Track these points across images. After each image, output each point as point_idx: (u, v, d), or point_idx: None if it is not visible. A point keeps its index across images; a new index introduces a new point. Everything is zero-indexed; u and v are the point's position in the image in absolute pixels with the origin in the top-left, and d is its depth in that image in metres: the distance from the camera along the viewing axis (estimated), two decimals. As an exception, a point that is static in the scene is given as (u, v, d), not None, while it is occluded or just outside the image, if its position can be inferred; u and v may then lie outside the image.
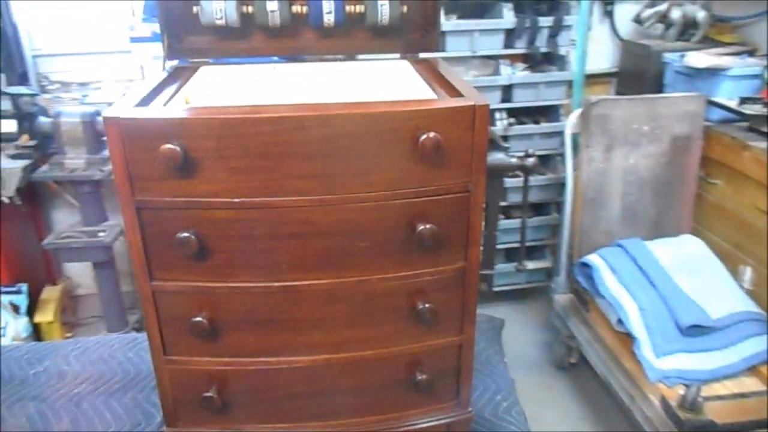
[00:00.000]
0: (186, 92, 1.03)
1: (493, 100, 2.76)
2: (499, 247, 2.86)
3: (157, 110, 0.90)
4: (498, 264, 2.69)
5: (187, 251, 0.94)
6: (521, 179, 2.87)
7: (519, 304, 3.31)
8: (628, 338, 1.91)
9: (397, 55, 1.26)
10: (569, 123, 2.52)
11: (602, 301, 2.17)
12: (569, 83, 2.83)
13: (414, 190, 0.96)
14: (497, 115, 2.82)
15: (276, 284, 0.99)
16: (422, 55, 1.27)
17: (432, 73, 1.15)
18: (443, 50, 2.54)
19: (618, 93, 3.10)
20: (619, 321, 2.05)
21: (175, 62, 1.21)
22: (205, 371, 1.05)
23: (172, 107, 0.93)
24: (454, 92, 1.00)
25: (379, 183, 0.94)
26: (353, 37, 1.26)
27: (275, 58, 1.36)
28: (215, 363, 1.05)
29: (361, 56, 1.38)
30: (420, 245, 0.97)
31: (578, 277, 2.36)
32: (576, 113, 2.49)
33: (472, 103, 0.93)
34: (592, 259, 2.27)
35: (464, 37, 2.70)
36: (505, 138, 2.80)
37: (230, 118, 0.88)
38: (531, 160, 2.03)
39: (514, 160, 2.25)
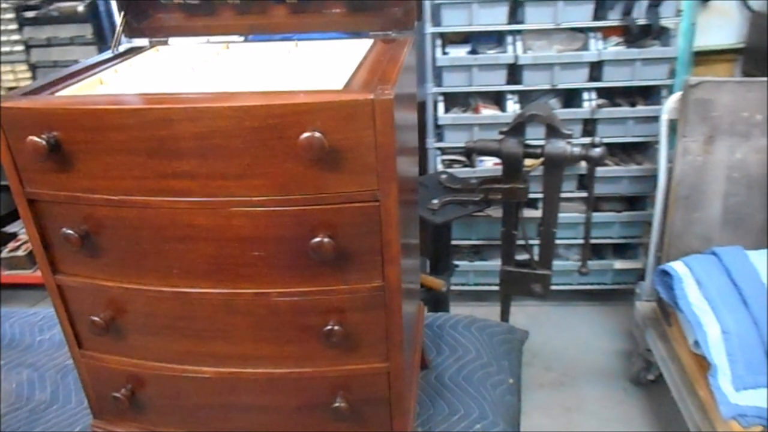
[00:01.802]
0: (104, 76, 0.97)
1: (579, 78, 2.46)
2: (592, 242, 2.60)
3: (32, 99, 0.85)
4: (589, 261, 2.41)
5: (72, 247, 0.89)
6: (613, 168, 2.57)
7: (604, 305, 3.03)
8: (706, 362, 1.63)
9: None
10: (666, 107, 2.19)
11: (682, 316, 1.87)
12: (675, 60, 2.44)
13: (308, 196, 0.82)
14: (585, 95, 2.52)
15: (168, 289, 0.91)
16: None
17: (384, 57, 0.98)
18: (520, 22, 2.28)
19: (745, 73, 2.63)
20: (696, 342, 1.76)
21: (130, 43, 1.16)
22: (117, 370, 1.01)
23: (52, 96, 0.87)
24: (384, 82, 0.84)
25: (265, 187, 0.82)
26: (327, 14, 1.12)
27: (239, 37, 1.27)
28: (125, 363, 1.00)
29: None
30: (317, 259, 0.84)
31: (657, 286, 2.06)
32: (675, 96, 2.14)
33: (368, 97, 0.76)
34: (675, 266, 1.97)
35: (546, 8, 2.41)
36: (593, 121, 2.49)
37: (93, 109, 0.80)
38: (597, 151, 1.77)
39: (576, 150, 1.99)
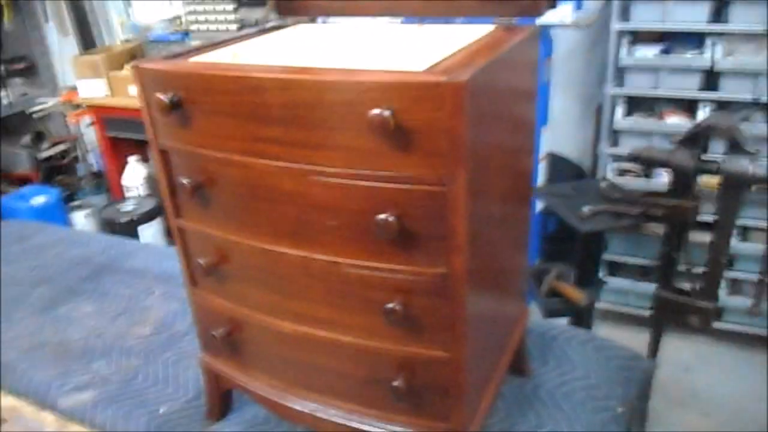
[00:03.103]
0: (238, 47, 1.08)
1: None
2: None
3: (167, 62, 0.98)
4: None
5: (186, 196, 1.02)
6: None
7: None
8: None
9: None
10: None
11: None
12: None
13: (378, 173, 0.84)
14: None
15: (257, 245, 0.99)
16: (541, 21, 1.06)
17: (489, 45, 0.96)
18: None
19: None
20: None
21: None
22: (219, 311, 1.13)
23: (183, 61, 0.99)
24: (468, 67, 0.83)
25: (340, 159, 0.85)
26: (459, -1, 1.12)
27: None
28: (225, 306, 1.12)
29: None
30: (381, 236, 0.86)
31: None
32: None
33: (439, 79, 0.76)
34: None
35: (758, 8, 2.12)
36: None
37: (204, 74, 0.90)
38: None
39: (761, 171, 1.73)
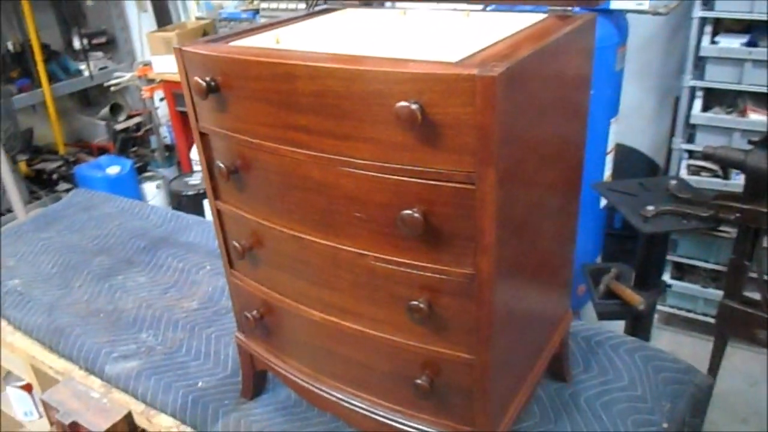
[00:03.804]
0: (282, 31, 1.07)
1: None
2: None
3: (207, 45, 0.98)
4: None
5: (222, 179, 1.02)
6: None
7: None
8: None
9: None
10: None
11: None
12: None
13: (406, 167, 0.81)
14: None
15: (288, 232, 0.99)
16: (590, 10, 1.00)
17: (537, 34, 0.91)
18: None
19: None
20: None
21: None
22: (253, 293, 1.14)
23: (223, 45, 0.99)
24: (506, 59, 0.78)
25: (368, 151, 0.83)
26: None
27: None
28: (258, 289, 1.13)
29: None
30: (406, 232, 0.83)
31: None
32: None
33: (470, 72, 0.72)
34: None
35: None
36: None
37: (239, 59, 0.90)
38: None
39: None
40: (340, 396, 1.10)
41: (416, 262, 0.88)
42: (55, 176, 3.85)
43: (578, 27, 0.95)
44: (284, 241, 1.01)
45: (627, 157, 2.90)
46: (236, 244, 1.08)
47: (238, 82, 0.92)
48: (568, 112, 1.00)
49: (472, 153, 0.76)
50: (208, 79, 0.94)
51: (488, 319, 0.87)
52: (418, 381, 0.95)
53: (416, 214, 0.81)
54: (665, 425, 1.24)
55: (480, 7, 1.19)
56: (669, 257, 2.62)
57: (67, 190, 3.59)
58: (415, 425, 1.02)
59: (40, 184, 3.84)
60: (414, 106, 0.75)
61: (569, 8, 1.00)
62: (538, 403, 1.24)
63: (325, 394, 1.12)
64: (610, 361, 1.34)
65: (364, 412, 1.07)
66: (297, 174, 0.93)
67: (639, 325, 2.03)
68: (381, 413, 1.05)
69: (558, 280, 1.15)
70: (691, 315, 2.71)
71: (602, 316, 2.02)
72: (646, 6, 2.10)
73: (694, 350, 2.69)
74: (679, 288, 2.64)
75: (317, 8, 1.23)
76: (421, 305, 0.88)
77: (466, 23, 1.05)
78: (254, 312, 1.15)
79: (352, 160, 0.85)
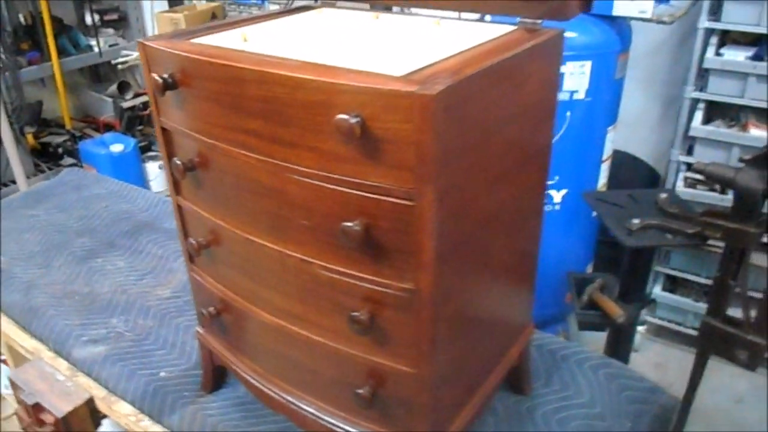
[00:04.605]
0: (250, 31, 1.06)
1: None
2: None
3: (168, 41, 0.97)
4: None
5: (179, 176, 1.02)
6: None
7: None
8: None
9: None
10: None
11: None
12: None
13: (348, 179, 0.80)
14: None
15: (240, 233, 0.99)
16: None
17: (499, 47, 0.89)
18: None
19: None
20: None
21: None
22: (210, 290, 1.14)
23: (184, 41, 0.98)
24: (450, 75, 0.77)
25: (312, 160, 0.82)
26: (489, -7, 1.05)
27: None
28: (215, 286, 1.13)
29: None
30: (345, 243, 0.83)
31: None
32: None
33: (409, 89, 0.71)
34: None
35: None
36: None
37: (192, 58, 0.89)
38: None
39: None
40: (290, 399, 1.10)
41: (359, 274, 0.87)
42: (60, 150, 3.88)
43: (543, 41, 0.93)
44: (238, 242, 1.01)
45: (628, 166, 2.86)
46: (192, 241, 1.08)
47: (195, 82, 0.91)
48: (530, 127, 0.98)
49: (411, 169, 0.75)
50: (165, 75, 0.93)
51: (429, 334, 0.86)
52: (360, 391, 0.95)
53: (356, 227, 0.81)
54: (624, 443, 1.23)
55: (455, 14, 1.17)
56: (661, 269, 2.59)
57: (72, 165, 3.63)
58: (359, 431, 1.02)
59: (46, 157, 3.88)
60: (353, 120, 0.74)
61: (538, 21, 0.98)
62: (493, 414, 1.24)
63: (276, 396, 1.12)
64: (572, 376, 1.33)
65: (312, 417, 1.07)
66: (249, 177, 0.92)
67: (619, 338, 2.01)
68: (328, 418, 1.05)
69: (516, 294, 1.14)
70: (680, 328, 2.68)
71: (583, 326, 2.00)
72: (649, 14, 2.05)
73: (681, 364, 2.65)
74: (670, 301, 2.61)
75: (293, 5, 1.22)
76: (362, 317, 0.87)
77: (435, 32, 1.03)
78: (211, 308, 1.15)
79: (297, 167, 0.84)
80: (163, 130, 1.05)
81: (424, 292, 0.83)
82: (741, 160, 1.68)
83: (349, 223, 0.81)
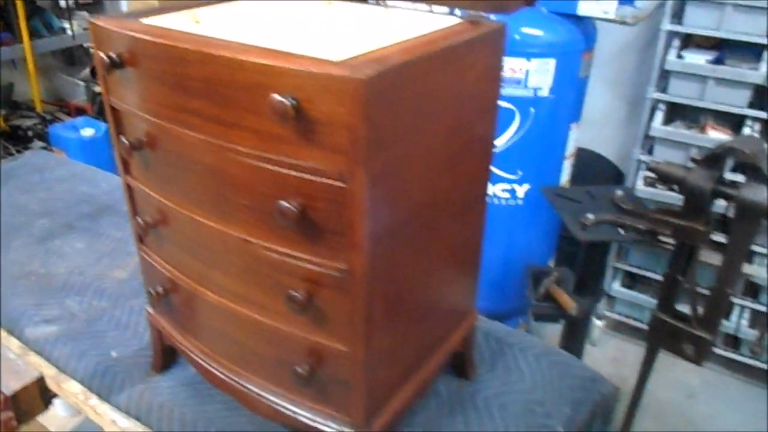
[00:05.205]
0: (203, 13, 1.07)
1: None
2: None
3: (117, 20, 0.98)
4: None
5: (125, 154, 1.03)
6: None
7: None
8: None
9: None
10: None
11: None
12: None
13: (285, 160, 0.82)
14: None
15: (185, 213, 1.00)
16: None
17: (439, 37, 0.91)
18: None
19: None
20: None
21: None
22: (158, 270, 1.16)
23: (134, 21, 0.99)
24: (384, 61, 0.79)
25: (251, 140, 0.84)
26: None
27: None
28: (163, 266, 1.14)
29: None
30: (280, 222, 0.85)
31: None
32: None
33: (342, 73, 0.73)
34: None
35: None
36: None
37: (134, 37, 0.90)
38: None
39: (778, 203, 1.60)
40: (236, 378, 1.12)
41: (297, 253, 0.89)
42: (30, 133, 3.84)
43: (484, 33, 0.95)
44: (184, 222, 1.02)
45: (593, 164, 2.92)
46: (140, 221, 1.09)
47: (142, 61, 0.92)
48: (471, 116, 1.01)
49: (344, 152, 0.77)
50: (112, 54, 0.94)
51: (364, 314, 0.89)
52: (298, 369, 0.97)
53: (292, 207, 0.83)
54: (560, 429, 1.26)
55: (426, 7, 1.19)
56: (620, 266, 2.65)
57: (42, 149, 3.59)
58: (298, 410, 1.04)
59: (15, 140, 3.84)
60: (288, 101, 0.76)
61: (482, 14, 1.01)
62: (436, 397, 1.27)
63: (222, 375, 1.14)
64: (515, 362, 1.37)
65: (255, 395, 1.09)
66: (192, 157, 0.94)
67: (574, 330, 2.06)
68: (271, 397, 1.07)
69: (458, 280, 1.17)
70: (638, 324, 2.75)
71: (537, 317, 2.05)
72: (612, 15, 2.10)
73: (638, 358, 2.73)
74: (628, 297, 2.67)
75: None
76: (300, 296, 0.90)
77: (382, 20, 1.05)
78: (159, 288, 1.16)
79: (237, 147, 0.86)
80: (113, 109, 1.06)
81: (358, 273, 0.85)
82: (692, 160, 1.73)
83: (284, 203, 0.83)
